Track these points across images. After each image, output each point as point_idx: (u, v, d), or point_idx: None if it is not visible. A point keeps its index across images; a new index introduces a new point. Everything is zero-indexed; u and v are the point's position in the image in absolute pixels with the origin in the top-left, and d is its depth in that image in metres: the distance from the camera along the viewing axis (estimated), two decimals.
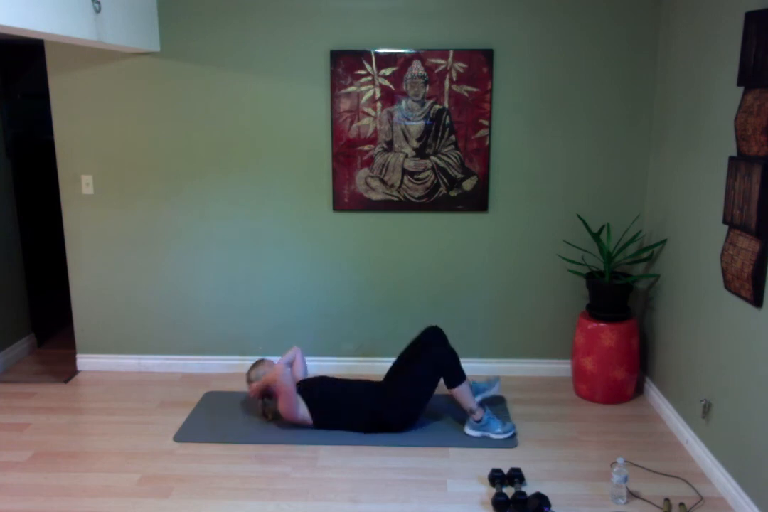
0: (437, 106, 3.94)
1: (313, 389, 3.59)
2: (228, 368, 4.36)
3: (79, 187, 4.16)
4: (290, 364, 3.81)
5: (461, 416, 3.65)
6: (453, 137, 3.98)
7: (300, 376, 3.80)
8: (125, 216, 4.19)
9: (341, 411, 3.54)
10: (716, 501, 2.97)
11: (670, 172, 3.71)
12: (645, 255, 3.98)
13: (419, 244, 4.16)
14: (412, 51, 3.88)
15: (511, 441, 3.46)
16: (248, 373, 3.73)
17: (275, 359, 3.74)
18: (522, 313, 4.24)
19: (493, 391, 3.78)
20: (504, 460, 3.30)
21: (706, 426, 3.21)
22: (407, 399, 3.51)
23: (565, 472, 3.20)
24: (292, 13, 3.90)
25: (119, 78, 4.01)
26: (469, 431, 3.52)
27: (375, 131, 3.99)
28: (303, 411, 3.51)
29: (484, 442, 3.45)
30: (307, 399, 3.54)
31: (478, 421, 3.49)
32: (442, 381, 3.54)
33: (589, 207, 4.09)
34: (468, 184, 4.04)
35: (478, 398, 3.69)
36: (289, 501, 2.98)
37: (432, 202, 4.06)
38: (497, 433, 3.49)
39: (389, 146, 4.00)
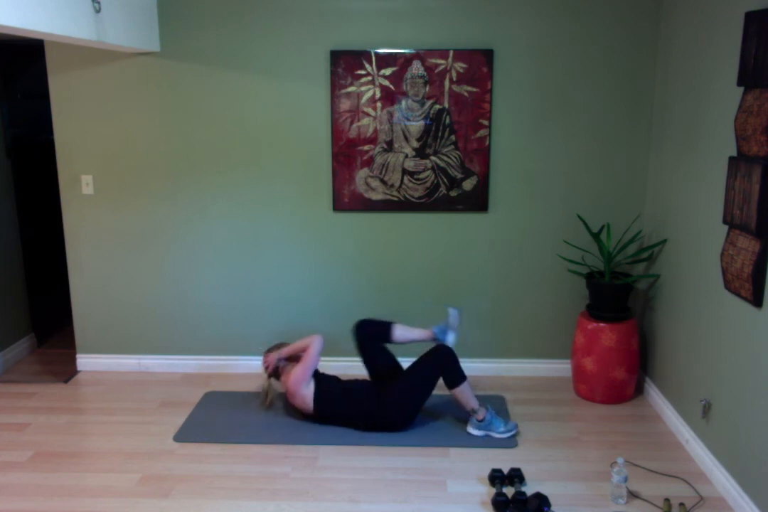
0: (437, 106, 3.94)
1: (317, 380, 3.59)
2: (228, 368, 4.36)
3: (79, 187, 4.16)
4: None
5: (462, 416, 3.65)
6: (453, 137, 3.98)
7: None
8: (125, 216, 4.19)
9: (340, 405, 3.54)
10: (716, 501, 2.97)
11: (670, 172, 3.71)
12: (645, 255, 3.98)
13: (419, 244, 4.16)
14: (412, 51, 3.88)
15: (511, 441, 3.46)
16: (268, 350, 3.83)
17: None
18: (522, 313, 4.24)
19: (452, 321, 3.68)
20: (504, 460, 3.30)
21: (706, 426, 3.21)
22: (407, 400, 3.50)
23: (565, 472, 3.20)
24: (292, 13, 3.90)
25: (119, 78, 4.01)
26: (472, 430, 3.52)
27: (375, 131, 3.99)
28: (308, 391, 3.52)
29: (485, 442, 3.45)
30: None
31: (480, 421, 3.48)
32: (441, 381, 3.54)
33: (589, 207, 4.09)
34: (468, 184, 4.04)
35: (442, 331, 3.66)
36: (289, 501, 2.98)
37: (432, 202, 4.06)
38: (500, 432, 3.49)
39: (389, 146, 4.00)
